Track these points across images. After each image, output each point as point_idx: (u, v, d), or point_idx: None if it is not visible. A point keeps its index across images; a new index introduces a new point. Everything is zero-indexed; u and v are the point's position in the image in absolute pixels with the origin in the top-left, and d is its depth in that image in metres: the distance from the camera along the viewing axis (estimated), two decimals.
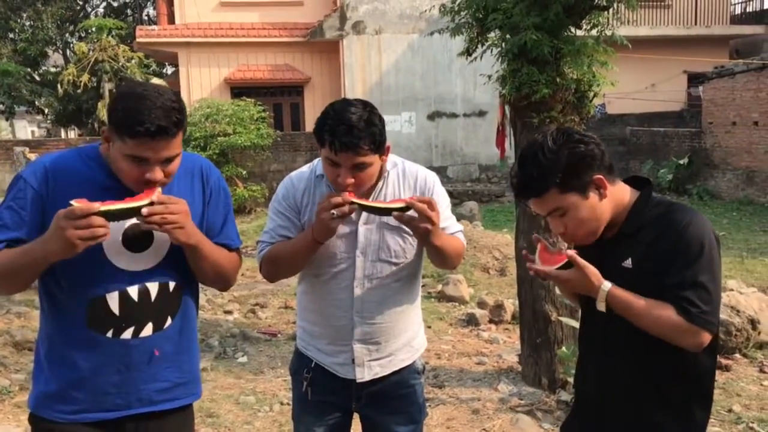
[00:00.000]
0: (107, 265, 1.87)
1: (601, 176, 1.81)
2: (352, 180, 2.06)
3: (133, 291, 1.90)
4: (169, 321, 1.97)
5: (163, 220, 1.80)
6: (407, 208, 2.06)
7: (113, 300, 1.88)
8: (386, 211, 2.09)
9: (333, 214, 2.03)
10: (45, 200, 1.83)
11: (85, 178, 1.86)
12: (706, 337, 1.73)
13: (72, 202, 1.70)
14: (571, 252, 1.81)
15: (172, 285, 1.96)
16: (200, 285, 2.11)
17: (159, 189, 1.84)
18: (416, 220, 2.06)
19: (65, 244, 1.69)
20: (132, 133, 1.73)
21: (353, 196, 2.05)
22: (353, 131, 2.01)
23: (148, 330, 1.93)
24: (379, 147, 2.09)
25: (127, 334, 1.90)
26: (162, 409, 1.99)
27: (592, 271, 1.79)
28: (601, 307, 1.81)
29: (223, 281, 2.10)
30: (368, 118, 2.05)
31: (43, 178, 1.84)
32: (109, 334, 1.89)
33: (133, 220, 1.85)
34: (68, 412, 1.90)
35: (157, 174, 1.80)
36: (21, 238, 1.82)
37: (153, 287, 1.92)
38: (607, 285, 1.78)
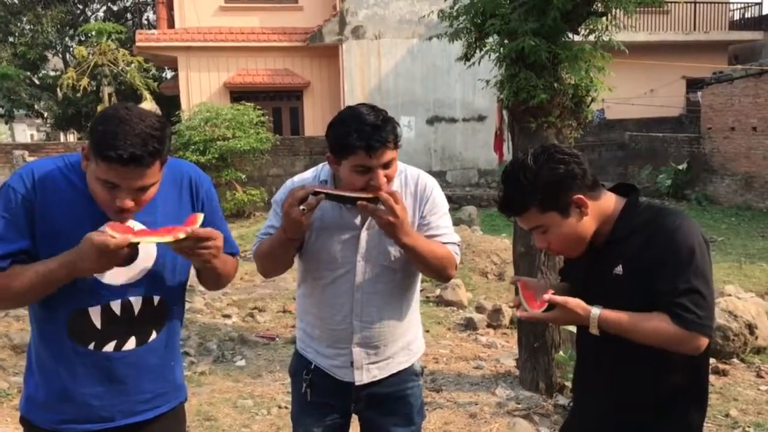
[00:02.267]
0: (90, 279, 1.84)
1: (581, 196, 1.82)
2: (386, 179, 2.09)
3: (116, 305, 1.88)
4: (153, 335, 1.95)
5: (191, 253, 1.82)
6: (375, 199, 2.06)
7: (95, 314, 1.86)
8: (352, 200, 2.08)
9: (303, 210, 2.03)
10: (33, 205, 1.80)
11: (72, 189, 1.83)
12: (704, 342, 1.74)
13: (108, 229, 1.70)
14: (548, 296, 1.82)
15: (156, 299, 1.94)
16: (197, 290, 2.11)
17: (201, 217, 1.84)
18: (380, 211, 2.06)
19: (97, 266, 1.71)
20: (104, 157, 1.68)
21: (318, 188, 2.07)
22: (379, 128, 2.04)
23: (131, 344, 1.91)
24: (398, 139, 2.14)
25: (109, 347, 1.89)
26: (144, 418, 1.98)
27: (575, 304, 1.81)
28: (594, 331, 1.82)
29: (224, 286, 2.14)
30: (383, 116, 2.09)
31: (31, 185, 1.81)
32: (91, 346, 1.88)
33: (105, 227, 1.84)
34: (55, 421, 1.90)
35: (126, 202, 1.74)
36: (23, 249, 1.79)
37: (136, 302, 1.90)
38: (595, 312, 1.80)
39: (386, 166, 2.09)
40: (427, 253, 2.18)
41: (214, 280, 2.06)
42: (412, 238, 2.14)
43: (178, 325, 2.07)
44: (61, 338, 1.88)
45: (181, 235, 1.77)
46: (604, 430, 1.96)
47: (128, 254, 1.74)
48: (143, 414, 1.98)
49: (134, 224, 1.86)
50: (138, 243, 1.73)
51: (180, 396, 2.11)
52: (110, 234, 1.69)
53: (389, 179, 2.12)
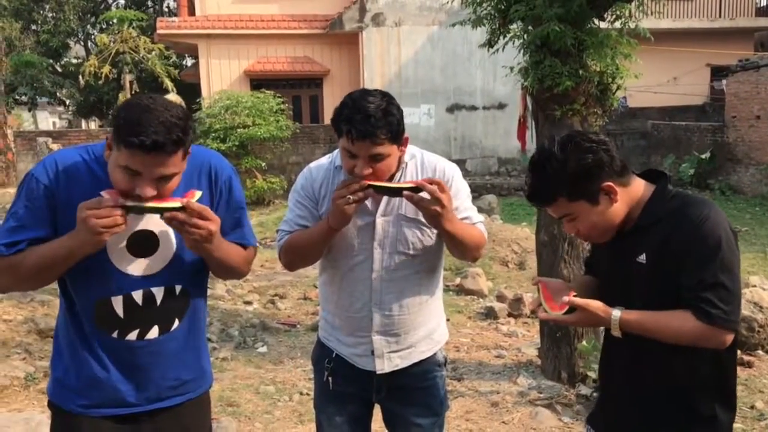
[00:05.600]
0: (112, 270, 1.86)
1: (610, 183, 1.79)
2: (370, 170, 2.05)
3: (138, 296, 1.89)
4: (176, 323, 1.96)
5: (183, 228, 1.79)
6: (419, 189, 2.05)
7: (118, 303, 1.88)
8: (397, 191, 2.07)
9: (349, 199, 2.03)
10: (56, 196, 1.81)
11: (95, 180, 1.82)
12: (729, 337, 1.72)
13: (102, 193, 1.71)
14: (569, 298, 1.81)
15: (178, 288, 1.95)
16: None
17: (198, 194, 1.83)
18: (426, 201, 2.04)
19: (91, 233, 1.70)
20: (126, 144, 1.66)
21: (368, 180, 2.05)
22: (370, 120, 1.99)
23: (153, 333, 1.93)
24: (397, 137, 2.07)
25: (132, 335, 1.91)
26: (172, 404, 2.00)
27: (596, 306, 1.79)
28: (616, 333, 1.80)
29: (235, 276, 2.12)
30: (386, 108, 2.03)
31: (54, 176, 1.82)
32: (114, 334, 1.90)
33: (138, 227, 1.86)
34: (83, 405, 1.92)
35: (147, 191, 1.72)
36: (41, 237, 1.81)
37: (158, 292, 1.91)
38: (616, 315, 1.78)
39: (374, 158, 2.04)
40: (466, 237, 2.19)
41: (222, 269, 2.02)
42: (453, 224, 2.13)
43: (201, 312, 2.07)
44: (87, 326, 1.90)
45: (175, 205, 1.75)
46: (628, 422, 1.93)
47: (124, 221, 1.72)
48: (170, 400, 2.00)
49: (168, 232, 1.88)
50: (131, 207, 1.72)
51: (206, 383, 2.12)
52: (104, 197, 1.69)
53: (378, 173, 2.07)
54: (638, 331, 1.76)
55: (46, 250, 1.78)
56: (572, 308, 1.83)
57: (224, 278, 2.16)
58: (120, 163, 1.71)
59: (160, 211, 1.77)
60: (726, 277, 1.69)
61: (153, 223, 1.87)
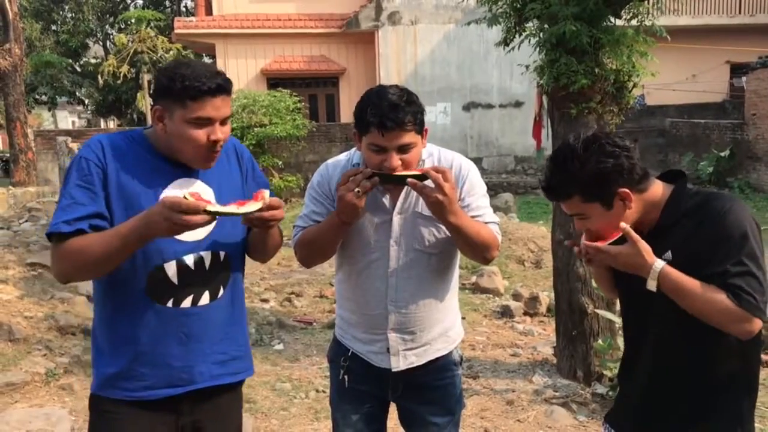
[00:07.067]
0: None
1: (626, 190, 1.78)
2: (400, 162, 2.06)
3: (189, 260, 1.93)
4: (221, 290, 2.01)
5: (259, 224, 1.94)
6: (423, 176, 2.04)
7: (171, 269, 1.91)
8: (402, 179, 2.06)
9: (358, 192, 2.03)
10: (106, 172, 1.86)
11: (136, 158, 1.90)
12: (757, 325, 1.71)
13: (186, 194, 1.75)
14: (624, 224, 1.78)
15: (222, 254, 2.00)
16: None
17: (267, 192, 1.93)
18: (428, 189, 2.03)
19: (168, 231, 1.76)
20: (194, 95, 1.80)
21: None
22: (398, 108, 2.01)
23: (205, 299, 1.97)
24: (422, 125, 2.09)
25: (187, 302, 1.94)
26: (222, 383, 2.03)
27: (646, 247, 1.76)
28: (651, 286, 1.77)
29: (267, 257, 2.21)
30: (407, 98, 2.06)
31: (101, 152, 1.88)
32: (170, 303, 1.92)
33: (190, 189, 1.91)
34: (133, 389, 1.92)
35: (219, 134, 1.87)
36: (99, 212, 1.84)
37: (207, 256, 1.96)
38: (660, 263, 1.75)
39: (403, 149, 2.05)
40: (473, 234, 2.15)
41: (264, 249, 2.13)
42: (459, 218, 2.10)
43: (241, 284, 2.13)
44: (139, 299, 1.91)
45: (257, 206, 1.87)
46: (652, 417, 1.93)
47: (206, 222, 1.79)
48: (222, 378, 2.04)
49: (210, 196, 1.95)
50: (212, 212, 1.77)
51: (250, 368, 2.17)
52: (185, 196, 1.75)
53: (407, 164, 2.07)
54: (673, 289, 1.74)
55: (116, 233, 1.80)
56: (618, 243, 1.81)
57: (259, 259, 2.21)
58: (190, 117, 1.83)
59: (237, 214, 1.85)
60: (753, 266, 1.70)
61: (197, 186, 1.95)
